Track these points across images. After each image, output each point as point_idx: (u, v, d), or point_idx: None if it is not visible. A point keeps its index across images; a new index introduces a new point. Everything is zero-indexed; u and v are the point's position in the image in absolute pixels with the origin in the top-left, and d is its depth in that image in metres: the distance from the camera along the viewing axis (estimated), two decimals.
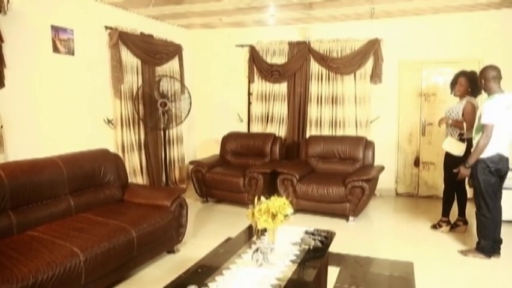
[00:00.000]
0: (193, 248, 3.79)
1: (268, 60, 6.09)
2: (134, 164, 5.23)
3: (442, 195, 4.36)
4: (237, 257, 2.40)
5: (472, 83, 3.93)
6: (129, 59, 5.11)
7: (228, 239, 3.70)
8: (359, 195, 4.47)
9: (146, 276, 3.23)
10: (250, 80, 6.27)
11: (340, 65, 5.65)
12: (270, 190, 4.75)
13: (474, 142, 3.49)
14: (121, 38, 4.89)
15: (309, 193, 4.64)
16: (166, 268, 3.36)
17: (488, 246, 3.51)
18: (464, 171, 3.53)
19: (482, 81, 3.46)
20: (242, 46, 6.26)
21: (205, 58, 6.59)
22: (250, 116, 6.37)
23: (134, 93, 5.19)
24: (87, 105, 4.59)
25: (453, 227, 4.23)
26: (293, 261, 2.33)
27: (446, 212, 4.28)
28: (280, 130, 6.11)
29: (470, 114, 3.86)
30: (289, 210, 2.37)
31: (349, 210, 4.56)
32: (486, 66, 3.52)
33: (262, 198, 2.40)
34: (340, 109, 5.75)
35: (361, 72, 5.63)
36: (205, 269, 2.33)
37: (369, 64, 5.59)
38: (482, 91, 3.63)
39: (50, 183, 3.20)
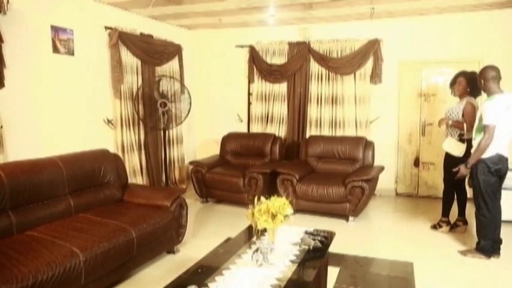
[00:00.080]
0: (193, 248, 3.79)
1: (268, 60, 6.09)
2: (134, 164, 5.23)
3: (441, 195, 4.36)
4: (237, 257, 2.40)
5: (472, 83, 3.93)
6: (129, 59, 5.11)
7: (228, 239, 3.70)
8: (359, 196, 4.47)
9: (146, 277, 3.23)
10: (250, 80, 6.27)
11: (340, 65, 5.65)
12: (270, 190, 4.74)
13: (474, 142, 3.49)
14: (121, 38, 4.89)
15: (309, 193, 4.64)
16: (166, 268, 3.36)
17: (488, 246, 3.51)
18: (464, 171, 3.53)
19: (482, 81, 3.46)
20: (242, 46, 6.26)
21: (205, 58, 6.60)
22: (250, 116, 6.37)
23: (134, 93, 5.19)
24: (87, 106, 4.59)
25: (453, 227, 4.23)
26: (293, 262, 2.33)
27: (446, 212, 4.28)
28: (280, 130, 6.11)
29: (470, 114, 3.86)
30: (289, 210, 2.38)
31: (349, 210, 4.56)
32: (486, 67, 3.52)
33: (262, 199, 2.40)
34: (340, 109, 5.75)
35: (361, 73, 5.63)
36: (205, 269, 2.33)
37: (369, 64, 5.59)
38: (482, 92, 3.63)
39: (50, 183, 3.20)
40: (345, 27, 5.69)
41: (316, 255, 2.51)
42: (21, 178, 2.99)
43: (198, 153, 6.68)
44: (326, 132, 5.81)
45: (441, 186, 4.40)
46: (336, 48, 5.71)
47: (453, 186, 4.17)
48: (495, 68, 3.43)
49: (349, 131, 5.68)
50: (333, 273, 3.13)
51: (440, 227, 4.27)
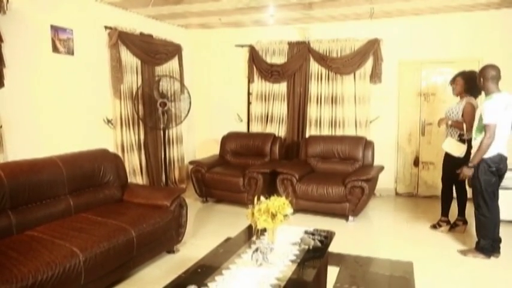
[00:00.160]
0: (193, 248, 3.79)
1: (268, 60, 6.09)
2: (134, 164, 5.23)
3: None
4: (237, 257, 2.40)
5: (470, 83, 3.93)
6: (129, 59, 5.11)
7: (228, 239, 3.70)
8: (359, 195, 4.47)
9: (146, 276, 3.23)
10: (250, 80, 6.27)
11: (340, 65, 5.65)
12: (270, 190, 4.75)
13: (474, 142, 3.49)
14: (120, 38, 4.89)
15: (309, 193, 4.64)
16: (166, 268, 3.36)
17: (488, 245, 3.51)
18: (467, 171, 3.49)
19: (482, 79, 3.45)
20: (242, 46, 6.25)
21: (205, 58, 6.59)
22: (249, 116, 6.37)
23: (134, 93, 5.19)
24: (86, 105, 4.59)
25: (453, 227, 4.23)
26: (293, 261, 2.33)
27: (445, 211, 4.28)
28: (279, 130, 6.11)
29: (469, 114, 3.85)
30: (289, 210, 2.38)
31: (349, 210, 4.56)
32: (486, 66, 3.51)
33: (262, 198, 2.40)
34: (340, 109, 5.75)
35: (360, 72, 5.63)
36: (205, 269, 2.33)
37: (369, 64, 5.59)
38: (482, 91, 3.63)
39: (50, 183, 3.20)
40: (344, 27, 5.69)
41: (316, 255, 2.51)
42: (20, 178, 2.99)
43: (197, 153, 6.68)
44: (326, 132, 5.81)
45: (441, 185, 4.40)
46: (335, 48, 5.71)
47: (451, 186, 4.19)
48: (495, 68, 3.43)
49: (349, 131, 5.68)
50: (332, 273, 3.13)
51: (440, 226, 4.27)
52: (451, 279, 3.18)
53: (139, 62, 5.29)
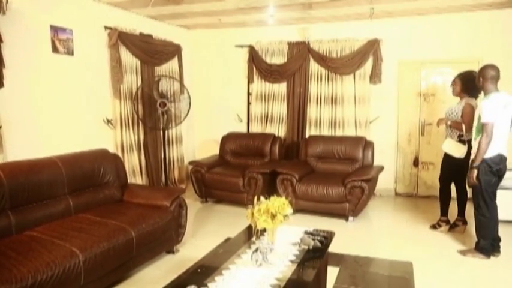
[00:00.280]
0: (193, 248, 3.79)
1: (268, 60, 6.09)
2: (133, 164, 5.23)
3: None
4: (237, 257, 2.40)
5: (469, 83, 3.93)
6: (129, 59, 5.11)
7: (228, 239, 3.70)
8: (358, 195, 4.47)
9: (145, 277, 3.23)
10: (250, 80, 6.27)
11: (340, 65, 5.65)
12: (270, 190, 4.75)
13: (475, 143, 3.48)
14: (120, 38, 4.88)
15: (309, 193, 4.64)
16: (166, 268, 3.36)
17: (488, 245, 3.51)
18: (471, 174, 3.44)
19: (481, 79, 3.45)
20: (241, 46, 6.26)
21: (205, 58, 6.59)
22: (249, 116, 6.37)
23: (133, 93, 5.19)
24: (86, 105, 4.59)
25: (452, 227, 4.23)
26: (292, 261, 2.33)
27: (444, 211, 4.29)
28: (279, 130, 6.11)
29: (469, 115, 3.85)
30: (289, 210, 2.38)
31: (349, 210, 4.56)
32: (486, 65, 3.51)
33: (262, 198, 2.40)
34: (340, 109, 5.75)
35: (360, 72, 5.63)
36: (205, 269, 2.33)
37: (368, 64, 5.59)
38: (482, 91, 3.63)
39: (49, 183, 3.20)
40: (344, 27, 5.69)
41: (315, 255, 2.51)
42: (20, 178, 2.99)
43: (197, 153, 6.68)
44: (325, 132, 5.81)
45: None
46: (335, 48, 5.71)
47: (449, 185, 4.20)
48: (495, 68, 3.43)
49: (349, 131, 5.68)
50: (332, 273, 3.13)
51: (440, 226, 4.27)
52: (451, 279, 3.18)
53: (139, 62, 5.28)
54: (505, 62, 4.81)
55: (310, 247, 2.54)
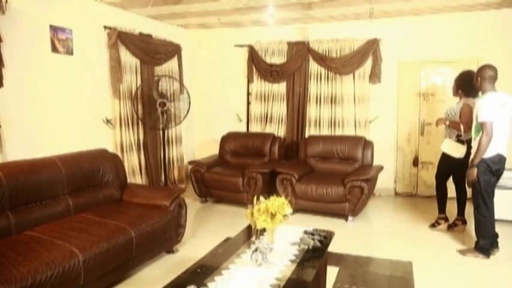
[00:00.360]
0: (193, 248, 3.79)
1: (267, 60, 6.09)
2: (133, 164, 5.23)
3: None
4: (236, 257, 2.40)
5: (465, 83, 3.94)
6: (128, 59, 5.10)
7: (227, 239, 3.70)
8: (358, 195, 4.47)
9: (145, 277, 3.23)
10: (249, 80, 6.27)
11: (339, 65, 5.65)
12: (269, 190, 4.75)
13: (474, 143, 3.48)
14: (120, 38, 4.88)
15: (308, 193, 4.64)
16: (166, 268, 3.36)
17: (487, 245, 3.52)
18: (471, 172, 3.45)
19: (479, 79, 3.46)
20: (241, 46, 6.25)
21: (204, 58, 6.59)
22: (249, 115, 6.37)
23: (133, 93, 5.18)
24: (86, 105, 4.58)
25: (452, 227, 4.24)
26: (292, 261, 2.33)
27: (441, 208, 4.32)
28: (279, 130, 6.11)
29: (467, 115, 3.86)
30: (288, 210, 2.38)
31: (348, 210, 4.56)
32: (484, 65, 3.51)
33: (261, 198, 2.40)
34: (339, 109, 5.75)
35: (360, 72, 5.63)
36: (204, 269, 2.33)
37: (368, 64, 5.59)
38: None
39: (49, 183, 3.19)
40: (344, 27, 5.69)
41: (315, 255, 2.51)
42: (20, 178, 2.98)
43: (197, 153, 6.68)
44: (325, 132, 5.81)
45: None
46: (335, 48, 5.71)
47: (445, 182, 4.24)
48: (493, 68, 3.43)
49: (348, 131, 5.69)
50: (332, 272, 3.13)
51: (439, 224, 4.29)
52: (451, 279, 3.18)
53: (138, 62, 5.28)
54: (505, 62, 4.82)
55: (310, 247, 2.54)
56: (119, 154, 4.80)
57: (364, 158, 5.14)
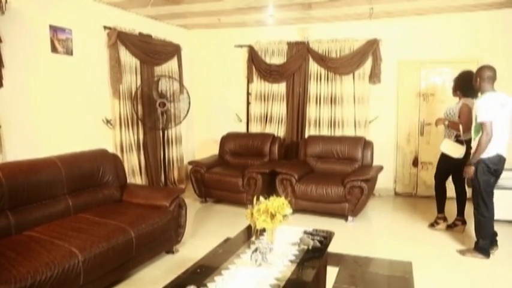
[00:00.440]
0: (192, 248, 3.79)
1: (267, 60, 6.09)
2: (133, 164, 5.23)
3: None
4: (236, 257, 2.40)
5: (463, 84, 3.95)
6: (128, 59, 5.10)
7: (227, 239, 3.70)
8: (358, 195, 4.47)
9: (145, 277, 3.23)
10: (249, 80, 6.27)
11: (339, 65, 5.66)
12: (269, 190, 4.75)
13: (474, 143, 3.49)
14: (120, 38, 4.88)
15: (308, 193, 4.64)
16: (165, 268, 3.36)
17: (487, 245, 3.52)
18: (468, 169, 3.48)
19: (478, 79, 3.47)
20: (241, 46, 6.25)
21: (204, 58, 6.59)
22: (249, 116, 6.37)
23: (133, 93, 5.18)
24: (85, 105, 4.58)
25: (451, 227, 4.24)
26: (292, 261, 2.33)
27: (440, 208, 4.32)
28: (279, 130, 6.11)
29: (465, 115, 3.87)
30: (288, 210, 2.38)
31: (348, 210, 4.56)
32: (483, 66, 3.52)
33: (261, 198, 2.40)
34: (339, 109, 5.75)
35: (359, 72, 5.64)
36: (204, 269, 2.33)
37: (368, 64, 5.60)
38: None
39: (49, 184, 3.19)
40: (343, 27, 5.70)
41: (315, 255, 2.51)
42: (19, 178, 2.98)
43: (197, 153, 6.68)
44: (325, 132, 5.81)
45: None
46: (334, 48, 5.71)
47: (444, 182, 4.25)
48: (492, 69, 3.44)
49: (348, 131, 5.69)
50: (332, 273, 3.13)
51: (438, 224, 4.29)
52: (450, 279, 3.18)
53: (138, 62, 5.28)
54: (505, 62, 4.83)
55: (310, 247, 2.54)
56: (119, 154, 4.80)
57: (364, 158, 5.14)
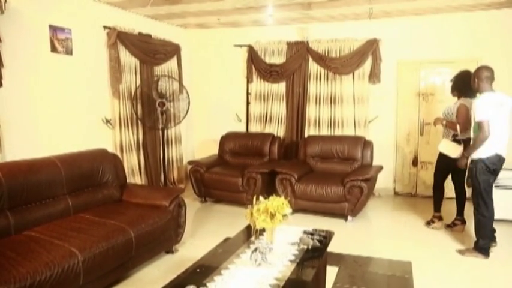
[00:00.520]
0: (192, 248, 3.79)
1: (267, 60, 6.09)
2: (133, 164, 5.22)
3: None
4: (236, 257, 2.40)
5: (461, 83, 3.97)
6: (128, 59, 5.10)
7: (227, 239, 3.70)
8: (357, 195, 4.47)
9: (145, 277, 3.23)
10: (249, 80, 6.27)
11: (339, 65, 5.66)
12: (269, 190, 4.75)
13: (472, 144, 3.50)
14: (119, 38, 4.88)
15: (308, 193, 4.64)
16: (165, 268, 3.36)
17: (487, 245, 3.52)
18: (462, 161, 3.64)
19: (476, 80, 3.48)
20: (240, 46, 6.25)
21: (204, 58, 6.59)
22: (248, 115, 6.36)
23: (132, 93, 5.18)
24: (85, 105, 4.58)
25: (451, 227, 4.25)
26: (292, 261, 2.33)
27: (437, 207, 4.35)
28: (278, 130, 6.11)
29: (463, 115, 3.88)
30: (288, 210, 2.38)
31: (348, 210, 4.56)
32: (480, 66, 3.55)
33: (261, 198, 2.40)
34: (339, 109, 5.75)
35: (359, 72, 5.64)
36: (204, 269, 2.32)
37: (367, 64, 5.60)
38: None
39: (48, 183, 3.19)
40: (343, 27, 5.70)
41: (314, 255, 2.51)
42: (19, 178, 2.98)
43: (196, 153, 6.68)
44: (325, 131, 5.81)
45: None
46: (334, 48, 5.71)
47: (443, 182, 4.26)
48: (489, 69, 3.46)
49: (348, 131, 5.69)
50: (331, 272, 3.13)
51: (433, 222, 4.30)
52: (450, 278, 3.18)
53: (138, 62, 5.28)
54: (504, 62, 4.84)
55: (309, 247, 2.54)
56: (118, 154, 4.80)
57: (364, 158, 5.14)
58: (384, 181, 5.51)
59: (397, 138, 5.74)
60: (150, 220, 3.29)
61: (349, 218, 4.61)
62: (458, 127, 3.89)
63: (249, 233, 2.65)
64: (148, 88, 5.31)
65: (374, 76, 5.59)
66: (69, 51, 4.32)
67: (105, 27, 4.78)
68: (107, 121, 4.90)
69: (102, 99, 4.85)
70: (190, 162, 5.59)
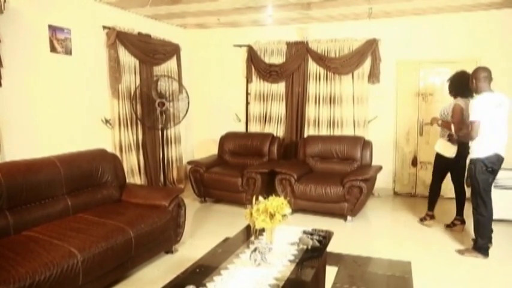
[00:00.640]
0: (192, 248, 3.79)
1: (266, 60, 6.09)
2: (132, 164, 5.22)
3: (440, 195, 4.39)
4: (235, 257, 2.40)
5: (458, 83, 3.98)
6: (127, 59, 5.10)
7: (226, 239, 3.70)
8: (357, 195, 4.47)
9: (144, 277, 3.23)
10: (248, 80, 6.27)
11: (338, 65, 5.66)
12: (268, 190, 4.75)
13: (471, 143, 3.50)
14: (119, 38, 4.88)
15: (307, 193, 4.64)
16: (164, 268, 3.35)
17: (486, 245, 3.53)
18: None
19: (474, 80, 3.49)
20: (240, 46, 6.25)
21: (203, 58, 6.59)
22: (248, 115, 6.36)
23: (132, 93, 5.18)
24: (84, 105, 4.58)
25: (450, 226, 4.26)
26: (291, 261, 2.33)
27: (431, 206, 4.39)
28: (278, 130, 6.11)
29: (457, 115, 3.89)
30: (287, 210, 2.38)
31: (347, 210, 4.56)
32: (478, 67, 3.58)
33: (260, 198, 2.40)
34: (338, 109, 5.75)
35: (359, 72, 5.64)
36: (203, 269, 2.32)
37: (367, 64, 5.60)
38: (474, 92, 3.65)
39: (47, 183, 3.19)
40: (343, 27, 5.70)
41: (314, 255, 2.51)
42: (18, 178, 2.98)
43: (196, 153, 6.68)
44: (324, 131, 5.81)
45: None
46: (334, 48, 5.71)
47: (440, 182, 4.28)
48: (487, 69, 3.48)
49: (347, 131, 5.69)
50: (331, 272, 3.13)
51: (426, 219, 4.34)
52: (449, 278, 3.19)
53: (137, 62, 5.28)
54: (504, 62, 4.84)
55: (309, 247, 2.54)
56: (118, 154, 4.79)
57: (363, 158, 5.14)
58: (383, 181, 5.51)
59: (396, 138, 5.74)
60: (150, 220, 3.29)
61: (349, 218, 4.62)
62: (452, 127, 3.90)
63: (249, 233, 2.65)
64: (148, 88, 5.31)
65: (373, 76, 5.59)
66: (68, 51, 4.31)
67: (104, 27, 4.78)
68: (107, 121, 4.90)
69: (102, 99, 4.85)
70: (189, 162, 5.59)
